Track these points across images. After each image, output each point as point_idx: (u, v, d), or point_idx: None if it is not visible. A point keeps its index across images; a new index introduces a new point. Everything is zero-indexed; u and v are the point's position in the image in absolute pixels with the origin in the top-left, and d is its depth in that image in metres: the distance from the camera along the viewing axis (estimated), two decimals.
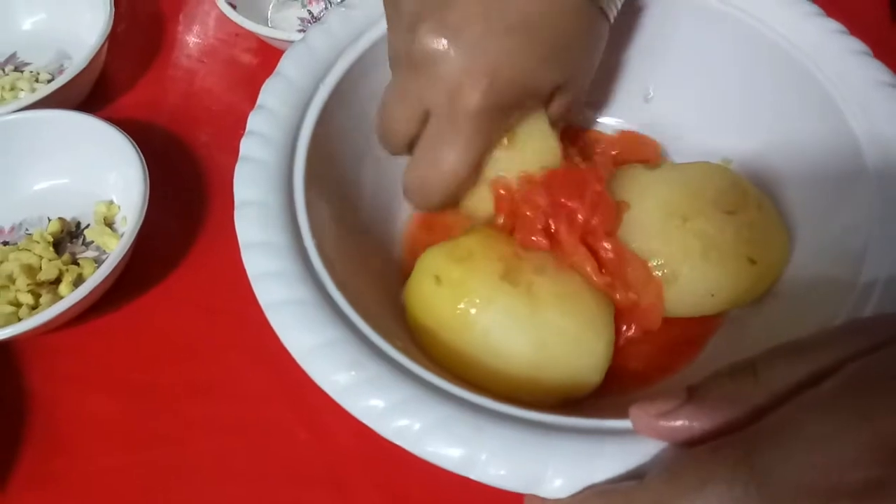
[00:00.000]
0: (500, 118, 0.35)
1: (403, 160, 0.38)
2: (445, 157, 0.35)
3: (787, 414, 0.22)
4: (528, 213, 0.36)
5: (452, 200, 0.38)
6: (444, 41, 0.33)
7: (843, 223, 0.36)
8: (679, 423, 0.24)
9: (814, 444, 0.21)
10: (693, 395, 0.25)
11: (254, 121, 0.36)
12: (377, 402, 0.28)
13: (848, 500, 0.20)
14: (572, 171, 0.37)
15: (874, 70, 0.38)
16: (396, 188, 0.39)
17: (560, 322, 0.33)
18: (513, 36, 0.34)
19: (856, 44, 0.39)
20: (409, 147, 0.37)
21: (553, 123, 0.38)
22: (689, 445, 0.24)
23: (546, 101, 0.38)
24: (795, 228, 0.38)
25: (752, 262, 0.36)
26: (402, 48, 0.35)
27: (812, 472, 0.21)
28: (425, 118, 0.36)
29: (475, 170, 0.36)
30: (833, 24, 0.39)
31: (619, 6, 0.38)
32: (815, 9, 0.40)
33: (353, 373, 0.28)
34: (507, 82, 0.34)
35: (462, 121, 0.34)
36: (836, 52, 0.38)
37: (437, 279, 0.34)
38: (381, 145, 0.39)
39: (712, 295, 0.36)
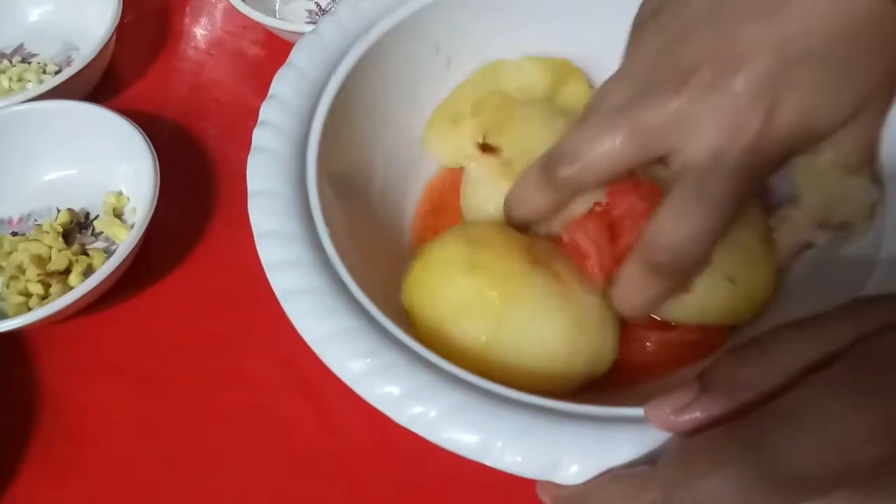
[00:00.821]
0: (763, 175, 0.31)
1: (413, 148, 0.38)
2: (696, 217, 0.30)
3: (797, 395, 0.22)
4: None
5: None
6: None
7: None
8: (695, 415, 0.24)
9: (824, 423, 0.21)
10: (705, 385, 0.25)
11: (266, 111, 0.36)
12: (392, 389, 0.28)
13: (860, 478, 0.21)
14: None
15: None
16: (406, 177, 0.40)
17: (588, 299, 0.33)
18: (801, 66, 0.29)
19: None
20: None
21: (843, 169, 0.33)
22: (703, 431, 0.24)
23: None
24: None
25: (731, 280, 0.34)
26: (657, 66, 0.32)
27: (823, 452, 0.21)
28: (641, 165, 0.32)
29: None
30: None
31: None
32: None
33: (368, 360, 0.29)
34: (788, 126, 0.30)
35: (728, 176, 0.30)
36: None
37: (471, 265, 0.33)
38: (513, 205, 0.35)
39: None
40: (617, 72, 0.34)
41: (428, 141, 0.42)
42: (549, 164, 0.33)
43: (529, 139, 0.39)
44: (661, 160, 0.32)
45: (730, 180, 0.30)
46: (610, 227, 0.34)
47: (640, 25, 0.34)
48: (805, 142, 0.31)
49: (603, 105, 0.33)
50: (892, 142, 0.35)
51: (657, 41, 0.32)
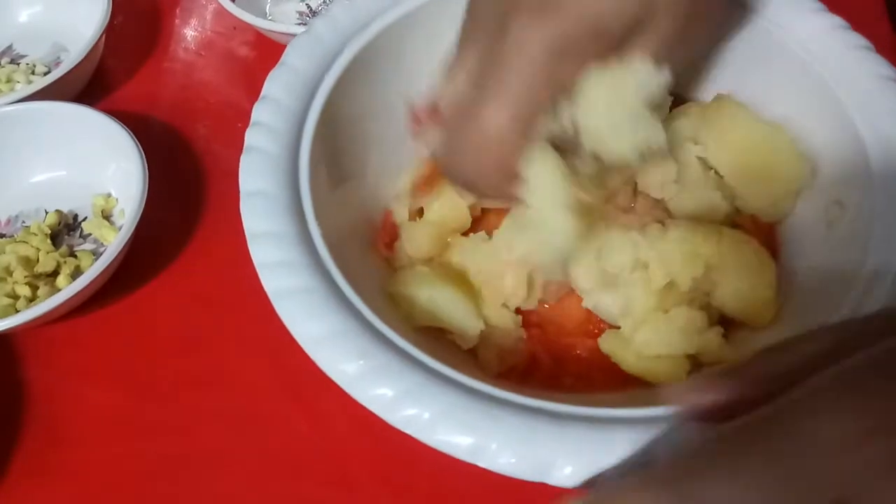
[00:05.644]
0: (557, 65, 0.29)
1: (405, 147, 0.38)
2: (489, 113, 0.29)
3: (809, 388, 0.22)
4: None
5: (509, 180, 0.31)
6: None
7: (847, 221, 0.36)
8: (712, 397, 0.24)
9: (824, 424, 0.21)
10: (727, 373, 0.25)
11: (258, 111, 0.36)
12: (386, 391, 0.28)
13: (855, 485, 0.20)
14: None
15: (876, 65, 0.38)
16: (398, 176, 0.39)
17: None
18: None
19: (858, 39, 0.39)
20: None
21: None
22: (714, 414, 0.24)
23: (618, 48, 0.31)
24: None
25: None
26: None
27: (824, 456, 0.21)
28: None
29: (526, 132, 0.30)
30: (835, 20, 0.40)
31: None
32: (817, 5, 0.40)
33: (361, 362, 0.28)
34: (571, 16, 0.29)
35: (511, 60, 0.29)
36: (837, 46, 0.39)
37: None
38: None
39: None
40: (453, 67, 0.34)
41: None
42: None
43: None
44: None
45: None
46: None
47: (465, 29, 0.34)
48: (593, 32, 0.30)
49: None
50: (879, 149, 0.35)
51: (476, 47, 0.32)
